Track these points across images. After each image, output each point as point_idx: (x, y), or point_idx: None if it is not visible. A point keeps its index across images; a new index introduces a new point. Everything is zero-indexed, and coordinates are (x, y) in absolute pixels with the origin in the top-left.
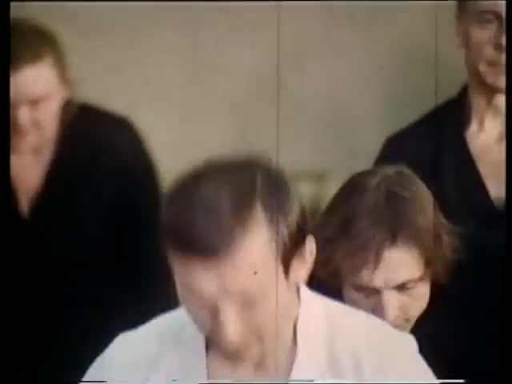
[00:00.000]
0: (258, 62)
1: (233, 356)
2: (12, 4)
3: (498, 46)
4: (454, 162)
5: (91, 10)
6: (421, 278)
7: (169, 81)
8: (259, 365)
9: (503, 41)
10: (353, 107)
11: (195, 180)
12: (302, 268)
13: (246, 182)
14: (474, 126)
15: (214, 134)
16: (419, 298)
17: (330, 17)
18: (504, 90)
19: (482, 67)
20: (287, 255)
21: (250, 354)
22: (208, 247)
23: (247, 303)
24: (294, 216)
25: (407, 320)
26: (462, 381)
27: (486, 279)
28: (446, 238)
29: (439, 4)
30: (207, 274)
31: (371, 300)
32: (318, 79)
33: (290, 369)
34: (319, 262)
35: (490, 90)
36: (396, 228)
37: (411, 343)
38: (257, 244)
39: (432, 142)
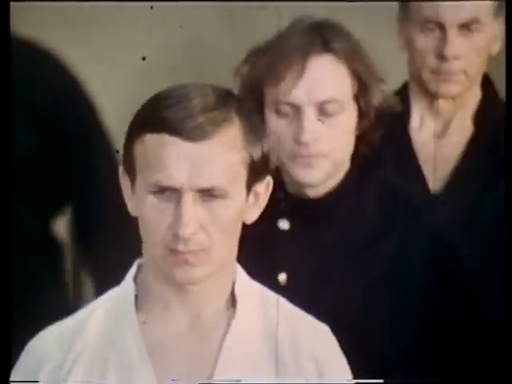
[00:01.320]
0: None
1: (183, 272)
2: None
3: (440, 56)
4: (396, 154)
5: (88, 9)
6: (346, 107)
7: (167, 80)
8: (196, 317)
9: (446, 50)
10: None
11: (183, 86)
12: (256, 205)
13: (226, 96)
14: (414, 123)
15: None
16: (340, 131)
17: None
18: (443, 96)
19: (425, 74)
20: (252, 178)
21: (199, 274)
22: (185, 128)
23: (209, 201)
24: (264, 147)
25: (326, 156)
26: (380, 381)
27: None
28: (376, 89)
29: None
30: (178, 160)
31: (292, 125)
32: None
33: (225, 332)
34: (244, 88)
35: (432, 96)
36: (327, 36)
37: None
38: (231, 141)
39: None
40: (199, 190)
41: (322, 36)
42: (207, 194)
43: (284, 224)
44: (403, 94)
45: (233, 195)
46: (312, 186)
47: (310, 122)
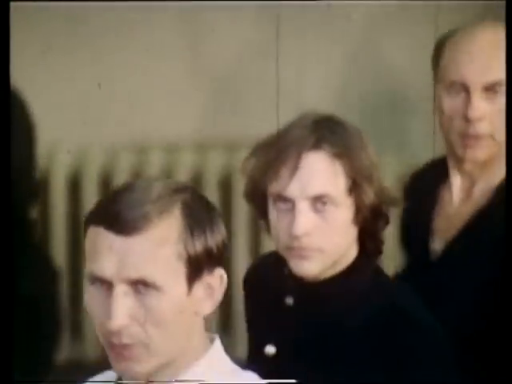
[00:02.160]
0: (257, 63)
1: (119, 357)
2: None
3: (466, 118)
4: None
5: (91, 9)
6: (339, 203)
7: (168, 81)
8: None
9: (470, 113)
10: (354, 108)
11: (143, 180)
12: (209, 298)
13: (173, 189)
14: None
15: (216, 136)
16: (334, 226)
17: (330, 16)
18: (469, 161)
19: (453, 137)
20: (194, 272)
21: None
22: (117, 221)
23: (142, 292)
24: (208, 242)
25: (321, 250)
26: (293, 381)
27: None
28: (377, 183)
29: (439, 4)
30: (108, 253)
31: (287, 218)
32: (317, 80)
33: None
34: (250, 183)
35: (459, 159)
36: (322, 133)
37: None
38: (165, 235)
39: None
40: (130, 281)
41: (317, 133)
42: (139, 286)
43: (289, 300)
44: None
45: (167, 288)
46: (308, 277)
47: (303, 215)
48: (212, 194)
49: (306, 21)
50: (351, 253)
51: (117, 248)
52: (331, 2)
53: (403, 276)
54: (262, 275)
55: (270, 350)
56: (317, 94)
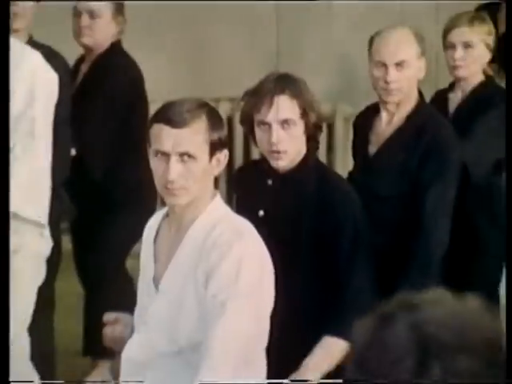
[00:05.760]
0: (258, 62)
1: (171, 194)
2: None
3: (385, 82)
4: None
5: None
6: (297, 122)
7: (168, 80)
8: (179, 227)
9: (388, 79)
10: (354, 107)
11: (181, 99)
12: (218, 166)
13: (199, 104)
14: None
15: None
16: (295, 136)
17: (330, 16)
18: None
19: (379, 91)
20: (212, 150)
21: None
22: (173, 121)
23: (186, 160)
24: (221, 135)
25: (288, 152)
26: (340, 381)
27: None
28: (317, 109)
29: (439, 3)
30: (168, 138)
31: (267, 134)
32: (318, 78)
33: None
34: (243, 115)
35: (385, 102)
36: (284, 84)
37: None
38: (199, 129)
39: None
40: (179, 153)
41: (282, 84)
42: (184, 156)
43: (269, 181)
44: None
45: (199, 159)
46: (280, 168)
47: (276, 132)
48: None
49: (306, 20)
50: (302, 152)
51: (172, 135)
52: (331, 1)
53: (353, 171)
54: (249, 171)
55: (260, 213)
56: (317, 94)
